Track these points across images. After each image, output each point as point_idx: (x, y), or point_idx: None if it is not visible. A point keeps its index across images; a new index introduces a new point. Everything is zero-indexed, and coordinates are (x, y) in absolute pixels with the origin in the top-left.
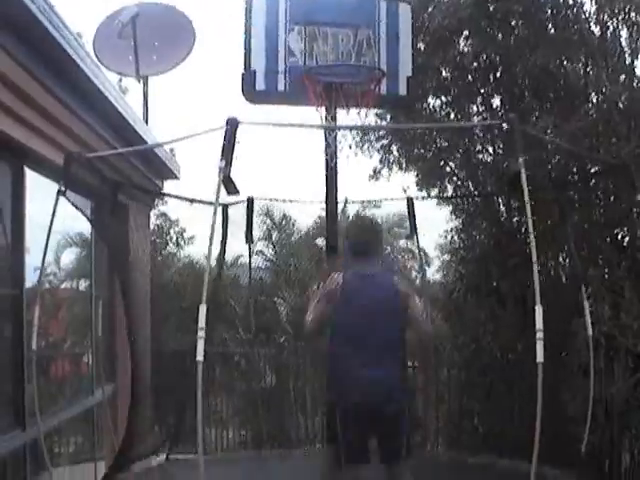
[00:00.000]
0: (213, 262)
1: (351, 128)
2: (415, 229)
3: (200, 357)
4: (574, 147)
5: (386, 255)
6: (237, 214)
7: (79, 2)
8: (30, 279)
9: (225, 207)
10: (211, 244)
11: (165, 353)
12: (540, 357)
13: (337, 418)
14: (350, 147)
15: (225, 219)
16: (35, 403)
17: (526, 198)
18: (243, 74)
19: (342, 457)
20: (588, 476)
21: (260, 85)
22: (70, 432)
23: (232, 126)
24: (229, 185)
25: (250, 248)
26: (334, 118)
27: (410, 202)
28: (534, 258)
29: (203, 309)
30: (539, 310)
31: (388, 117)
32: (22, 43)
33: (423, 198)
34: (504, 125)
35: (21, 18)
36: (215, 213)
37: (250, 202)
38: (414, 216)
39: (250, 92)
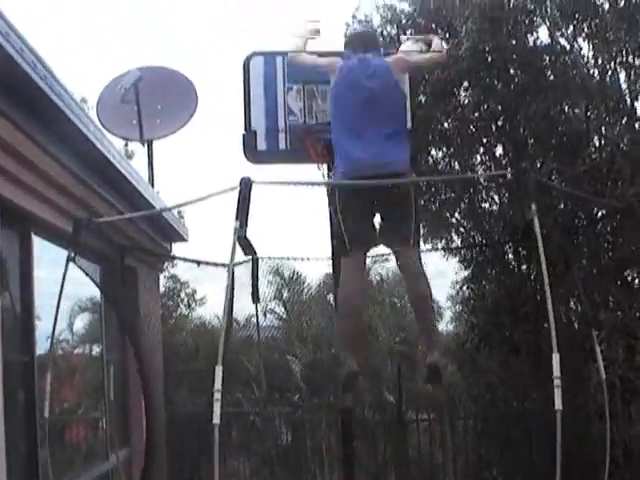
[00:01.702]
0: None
1: (355, 185)
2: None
3: (217, 420)
4: (579, 192)
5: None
6: (246, 273)
7: (82, 68)
8: (41, 345)
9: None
10: (229, 305)
11: (180, 416)
12: (559, 404)
13: (339, 205)
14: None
15: (231, 280)
16: (49, 470)
17: (540, 246)
18: (244, 135)
19: (348, 243)
20: None
21: (261, 145)
22: None
23: (246, 186)
24: (246, 246)
25: (257, 307)
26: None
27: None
28: (549, 306)
29: (219, 371)
30: (556, 358)
31: None
32: (25, 111)
33: (431, 250)
34: (511, 174)
35: (22, 86)
36: (230, 274)
37: (255, 262)
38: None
39: (252, 152)
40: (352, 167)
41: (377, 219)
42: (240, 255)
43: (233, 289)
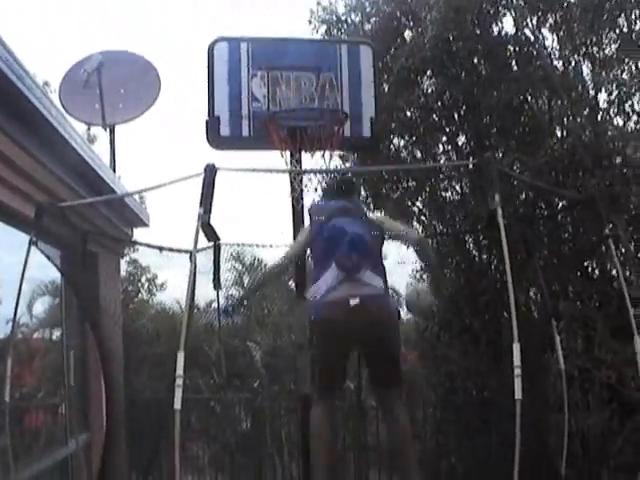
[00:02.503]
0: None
1: (319, 172)
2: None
3: (178, 405)
4: (540, 182)
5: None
6: (207, 260)
7: (45, 52)
8: (1, 329)
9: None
10: (190, 291)
11: (140, 401)
12: (518, 394)
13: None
14: (316, 190)
15: (195, 266)
16: (8, 455)
17: (502, 236)
18: (207, 120)
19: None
20: None
21: (224, 131)
22: None
23: (210, 172)
24: (209, 232)
25: (218, 294)
26: (299, 162)
27: None
28: (511, 295)
29: (181, 357)
30: (517, 347)
31: (354, 157)
32: None
33: (390, 238)
34: (473, 164)
35: None
36: (193, 260)
37: (217, 248)
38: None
39: (215, 138)
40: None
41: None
42: (202, 241)
43: (195, 274)
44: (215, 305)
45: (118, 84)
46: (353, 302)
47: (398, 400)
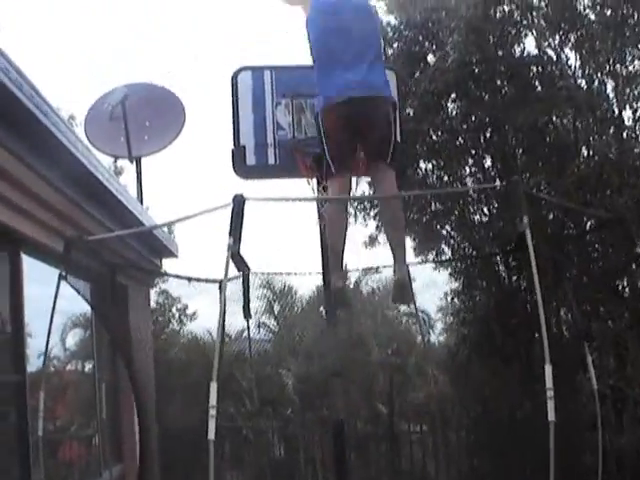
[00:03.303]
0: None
1: (345, 199)
2: (412, 294)
3: (212, 436)
4: (568, 203)
5: None
6: (236, 288)
7: (70, 86)
8: (33, 363)
9: (222, 284)
10: (222, 321)
11: (173, 431)
12: (552, 416)
13: (323, 130)
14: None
15: (223, 296)
16: None
17: (532, 258)
18: (233, 150)
19: (331, 166)
20: None
21: (250, 160)
22: None
23: (238, 203)
24: (239, 262)
25: (248, 322)
26: (325, 189)
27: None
28: (542, 317)
29: (214, 387)
30: (549, 369)
31: None
32: (11, 130)
33: (421, 263)
34: (504, 187)
35: (8, 106)
36: (223, 290)
37: (246, 277)
38: (410, 281)
39: (241, 167)
40: (338, 89)
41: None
42: (231, 270)
43: (225, 305)
44: (246, 334)
45: (143, 116)
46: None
47: (389, 171)
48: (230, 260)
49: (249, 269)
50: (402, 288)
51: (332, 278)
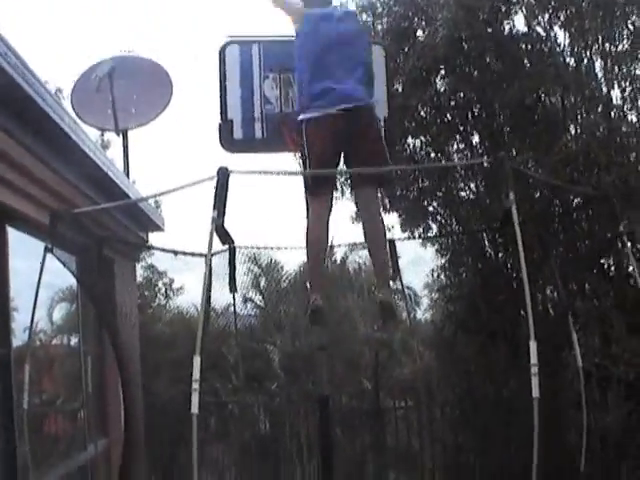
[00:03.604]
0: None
1: (332, 173)
2: (398, 270)
3: (195, 410)
4: (555, 180)
5: None
6: (223, 263)
7: (57, 59)
8: (19, 337)
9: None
10: (205, 295)
11: (158, 405)
12: (536, 392)
13: (307, 143)
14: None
15: (209, 269)
16: (28, 461)
17: (518, 235)
18: (220, 124)
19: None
20: None
21: (237, 134)
22: None
23: (223, 176)
24: (223, 235)
25: (234, 297)
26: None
27: (391, 244)
28: (527, 294)
29: (197, 361)
30: (533, 345)
31: None
32: None
33: (407, 239)
34: (490, 163)
35: None
36: (208, 264)
37: (232, 251)
38: (396, 258)
39: (228, 141)
40: (324, 101)
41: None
42: (218, 244)
43: (211, 279)
44: (232, 309)
45: (130, 89)
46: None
47: (375, 197)
48: (214, 233)
49: (233, 242)
50: (388, 309)
51: (311, 297)
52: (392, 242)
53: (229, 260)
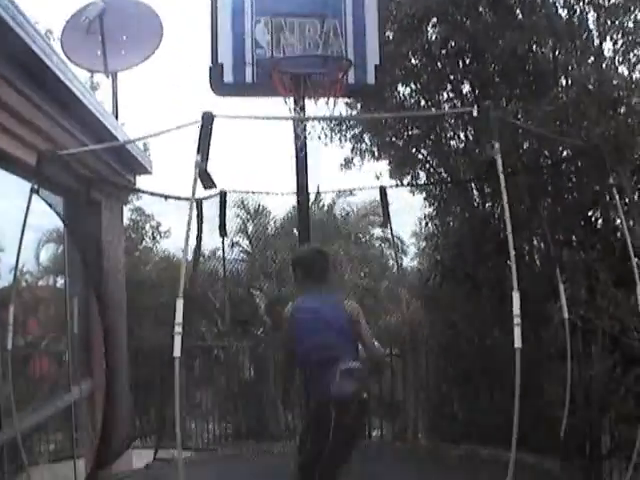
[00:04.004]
0: (190, 256)
1: (321, 119)
2: (389, 217)
3: (177, 353)
4: (545, 131)
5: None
6: (212, 208)
7: (47, 1)
8: (4, 278)
9: (199, 201)
10: (187, 239)
11: (143, 348)
12: (518, 342)
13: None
14: (319, 138)
15: (200, 213)
16: (12, 402)
17: (502, 184)
18: (211, 67)
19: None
20: (569, 460)
21: (228, 78)
22: (48, 430)
23: (207, 120)
24: (206, 179)
25: (224, 241)
26: (303, 109)
27: (382, 191)
28: (511, 244)
29: (180, 304)
30: (516, 296)
31: (358, 106)
32: None
33: (397, 186)
34: (477, 111)
35: None
36: (192, 208)
37: (223, 196)
38: (387, 204)
39: (218, 85)
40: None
41: None
42: (204, 189)
43: (202, 222)
44: (219, 253)
45: (120, 31)
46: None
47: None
48: (197, 177)
49: (215, 186)
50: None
51: None
52: (383, 189)
53: (220, 204)
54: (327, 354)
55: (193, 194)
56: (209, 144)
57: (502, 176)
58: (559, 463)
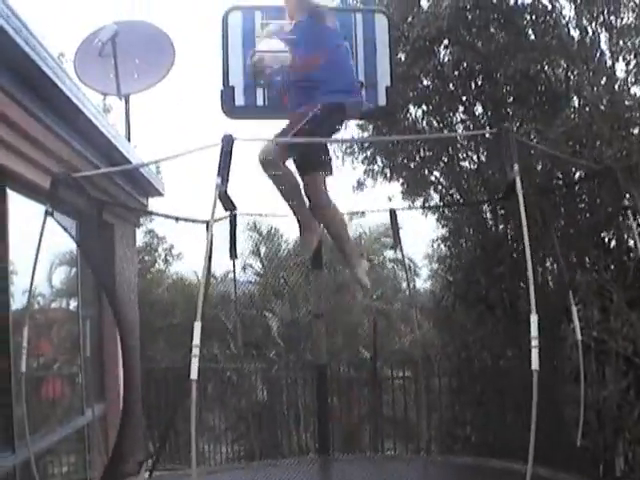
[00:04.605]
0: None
1: (335, 142)
2: (399, 239)
3: (194, 376)
4: (558, 153)
5: None
6: (223, 230)
7: (60, 23)
8: (18, 300)
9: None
10: (206, 261)
11: (156, 371)
12: (535, 365)
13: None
14: (333, 159)
15: (210, 236)
16: (25, 425)
17: (521, 206)
18: (222, 90)
19: None
20: (584, 473)
21: (239, 100)
22: (61, 453)
23: (228, 143)
24: (226, 202)
25: (234, 263)
26: None
27: (392, 213)
28: (529, 266)
29: (198, 327)
30: (534, 318)
31: (370, 128)
32: None
33: (409, 208)
34: (493, 133)
35: None
36: (210, 230)
37: (233, 218)
38: (397, 227)
39: (229, 108)
40: None
41: None
42: (218, 211)
43: (212, 244)
44: (231, 275)
45: (133, 54)
46: None
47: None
48: (217, 200)
49: (236, 209)
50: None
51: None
52: (393, 212)
53: (230, 227)
54: None
55: (212, 216)
56: (229, 166)
57: (522, 197)
58: (574, 477)
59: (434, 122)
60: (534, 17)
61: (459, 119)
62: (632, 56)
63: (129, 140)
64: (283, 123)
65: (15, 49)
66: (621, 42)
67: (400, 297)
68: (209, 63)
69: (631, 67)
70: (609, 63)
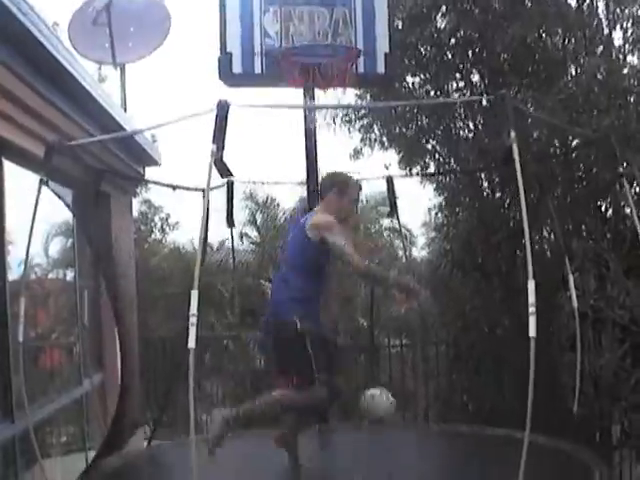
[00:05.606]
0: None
1: (334, 107)
2: (395, 207)
3: (192, 344)
4: (555, 120)
5: None
6: (220, 198)
7: None
8: (15, 271)
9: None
10: (203, 229)
11: (154, 340)
12: (533, 332)
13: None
14: (329, 127)
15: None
16: (23, 395)
17: (518, 173)
18: (219, 57)
19: None
20: (581, 442)
21: (237, 68)
22: (60, 423)
23: (223, 109)
24: (222, 168)
25: (232, 232)
26: (312, 98)
27: (389, 180)
28: (526, 233)
29: (195, 295)
30: (532, 284)
31: (368, 96)
32: None
33: (405, 176)
34: (491, 100)
35: None
36: (206, 197)
37: (230, 186)
38: (394, 194)
39: (227, 75)
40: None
41: None
42: (215, 179)
43: (208, 213)
44: (228, 244)
45: (128, 22)
46: None
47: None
48: (213, 167)
49: (232, 175)
50: None
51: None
52: (390, 179)
53: (227, 194)
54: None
55: (208, 184)
56: (225, 133)
57: (519, 164)
58: (571, 445)
59: (431, 90)
60: None
61: (456, 87)
62: (629, 24)
63: (125, 110)
64: (281, 91)
65: (9, 17)
66: (618, 10)
67: (397, 265)
68: (206, 30)
69: (628, 35)
70: (606, 31)
